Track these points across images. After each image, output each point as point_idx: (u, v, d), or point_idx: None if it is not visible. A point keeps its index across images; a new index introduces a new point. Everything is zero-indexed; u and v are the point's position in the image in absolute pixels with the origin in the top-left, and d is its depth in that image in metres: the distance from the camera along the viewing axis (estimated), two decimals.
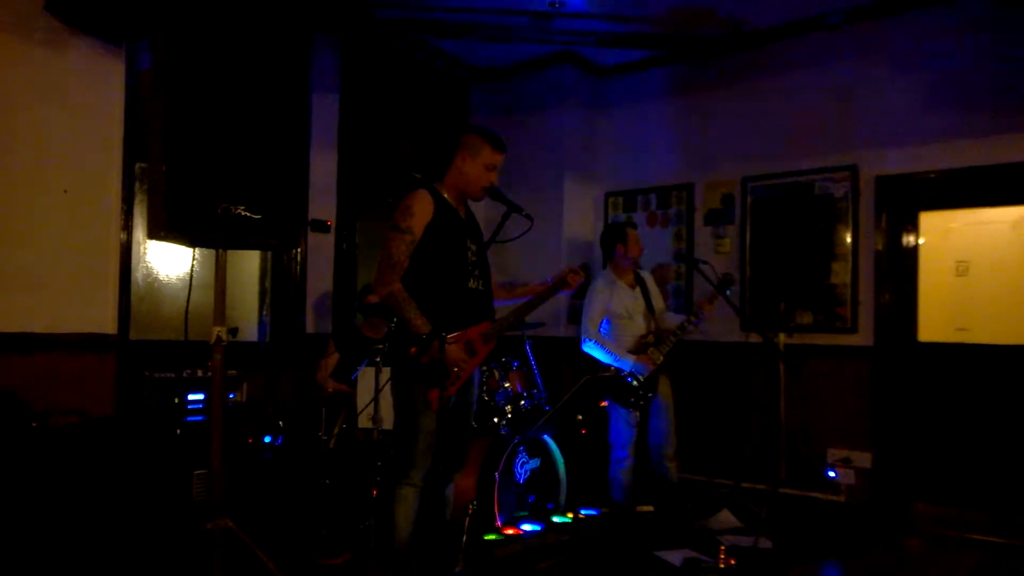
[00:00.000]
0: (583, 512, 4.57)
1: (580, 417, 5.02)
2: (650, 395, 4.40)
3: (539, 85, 6.26)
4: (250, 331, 5.17)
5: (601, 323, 4.50)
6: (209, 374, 3.49)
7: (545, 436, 4.47)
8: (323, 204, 5.24)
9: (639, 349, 4.44)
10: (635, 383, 4.38)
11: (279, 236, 2.92)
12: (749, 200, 5.56)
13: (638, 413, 4.44)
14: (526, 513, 4.24)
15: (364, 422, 4.05)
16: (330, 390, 4.43)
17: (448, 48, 6.05)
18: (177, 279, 4.71)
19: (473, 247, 3.19)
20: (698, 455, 5.37)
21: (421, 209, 3.03)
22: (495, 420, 4.45)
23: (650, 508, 4.66)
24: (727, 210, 5.68)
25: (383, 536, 3.34)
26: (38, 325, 3.78)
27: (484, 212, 4.51)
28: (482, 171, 3.15)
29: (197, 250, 3.10)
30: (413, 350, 2.95)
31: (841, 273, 5.15)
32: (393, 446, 3.23)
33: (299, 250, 5.09)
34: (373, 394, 3.91)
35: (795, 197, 5.34)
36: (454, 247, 3.10)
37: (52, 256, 3.85)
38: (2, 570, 3.02)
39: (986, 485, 4.63)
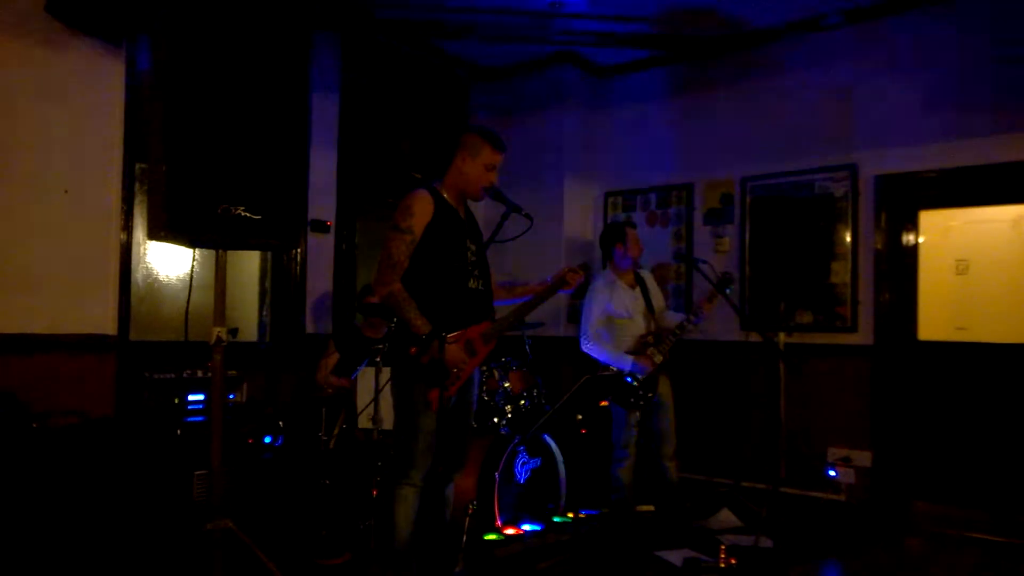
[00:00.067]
0: (583, 512, 4.57)
1: (580, 417, 5.02)
2: (650, 395, 4.40)
3: (539, 85, 6.26)
4: (250, 331, 5.17)
5: (601, 324, 4.50)
6: (209, 375, 3.49)
7: (545, 436, 4.46)
8: (323, 204, 5.24)
9: (639, 349, 4.43)
10: (634, 383, 4.38)
11: (279, 236, 2.92)
12: (748, 200, 5.56)
13: (638, 413, 4.44)
14: (526, 513, 4.24)
15: (364, 422, 4.06)
16: (330, 389, 4.43)
17: (448, 48, 6.05)
18: (177, 280, 4.71)
19: (473, 247, 3.19)
20: (698, 454, 5.37)
21: (421, 209, 3.03)
22: (495, 420, 4.45)
23: (650, 508, 4.66)
24: (726, 210, 5.68)
25: (383, 536, 3.34)
26: (38, 326, 3.78)
27: (484, 212, 4.51)
28: (482, 171, 3.15)
29: (197, 251, 3.10)
30: (413, 350, 2.95)
31: (841, 272, 5.15)
32: (393, 446, 3.23)
33: (299, 250, 5.09)
34: (373, 394, 3.91)
35: (795, 196, 5.34)
36: (454, 247, 3.10)
37: (52, 257, 3.85)
38: (3, 570, 3.02)
39: (986, 484, 4.63)
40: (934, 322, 5.09)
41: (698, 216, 5.83)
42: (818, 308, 5.23)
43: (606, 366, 4.44)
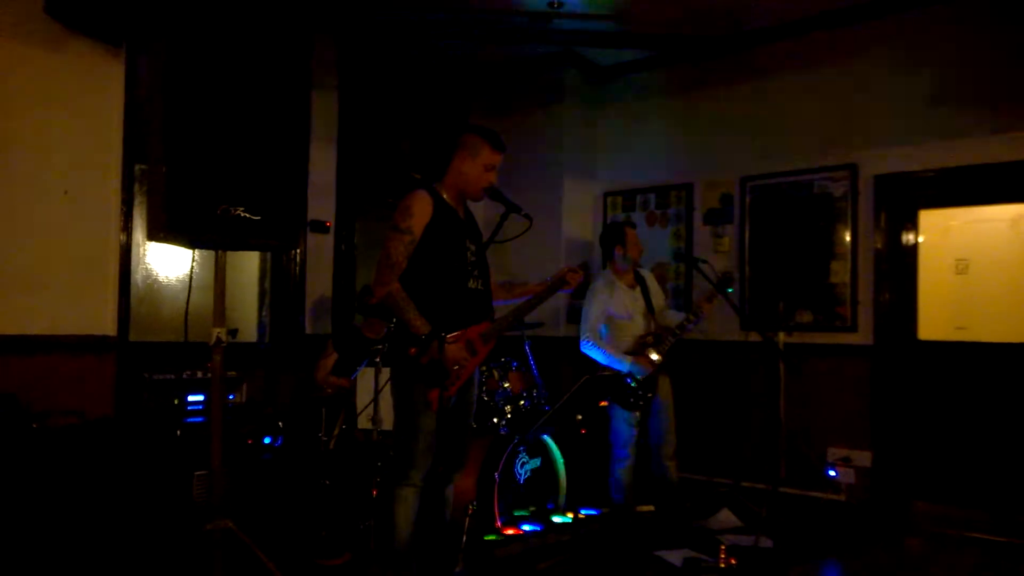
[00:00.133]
0: (583, 512, 4.57)
1: (580, 417, 5.02)
2: (649, 395, 4.40)
3: (539, 85, 6.27)
4: (249, 332, 5.17)
5: (600, 325, 4.50)
6: (209, 375, 3.49)
7: (545, 436, 4.46)
8: (322, 204, 5.24)
9: (638, 349, 4.43)
10: (634, 383, 4.38)
11: (278, 237, 2.92)
12: (748, 199, 5.57)
13: (638, 413, 4.44)
14: (526, 513, 4.24)
15: (364, 423, 4.06)
16: (330, 390, 4.43)
17: (448, 48, 6.05)
18: (177, 280, 4.71)
19: (472, 247, 3.19)
20: (698, 454, 5.37)
21: (420, 209, 3.03)
22: (495, 420, 4.45)
23: (650, 508, 4.66)
24: (726, 209, 5.68)
25: (383, 536, 3.34)
26: (38, 326, 3.78)
27: (483, 212, 4.50)
28: (481, 171, 3.15)
29: (196, 251, 3.10)
30: (413, 350, 2.95)
31: (840, 272, 5.15)
32: (393, 446, 3.23)
33: (298, 251, 5.09)
34: (373, 395, 3.91)
35: (794, 196, 5.35)
36: (453, 247, 3.10)
37: (52, 258, 3.85)
38: (3, 571, 3.02)
39: (986, 484, 4.63)
40: (934, 322, 5.09)
41: (698, 216, 5.83)
42: (818, 308, 5.23)
43: (606, 366, 4.44)
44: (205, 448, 2.91)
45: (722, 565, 3.63)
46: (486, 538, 3.90)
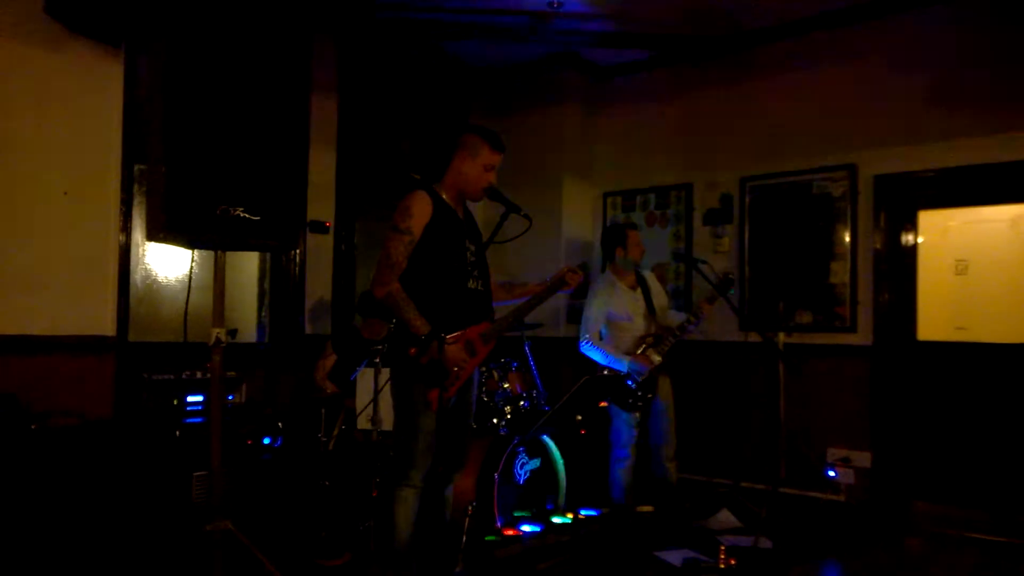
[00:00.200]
0: (583, 512, 4.57)
1: (579, 417, 5.02)
2: (649, 396, 4.40)
3: (538, 85, 6.27)
4: (249, 332, 5.17)
5: (600, 325, 4.50)
6: (208, 375, 3.49)
7: (544, 436, 4.46)
8: (322, 205, 5.24)
9: (638, 350, 4.43)
10: (634, 384, 4.38)
11: (278, 237, 2.92)
12: (748, 200, 5.57)
13: (638, 414, 4.44)
14: (526, 514, 4.24)
15: (363, 423, 4.05)
16: (328, 391, 4.43)
17: (447, 48, 6.05)
18: (176, 281, 4.71)
19: (472, 247, 3.19)
20: (698, 455, 5.37)
21: (419, 210, 3.03)
22: (494, 421, 4.45)
23: (650, 508, 4.66)
24: (726, 210, 5.68)
25: (383, 537, 3.34)
26: (37, 327, 3.77)
27: (483, 212, 4.50)
28: (481, 171, 3.15)
29: (196, 251, 3.10)
30: (413, 351, 2.95)
31: (840, 272, 5.16)
32: (393, 447, 3.23)
33: (298, 251, 5.09)
34: (372, 395, 3.91)
35: (794, 197, 5.35)
36: (453, 247, 3.10)
37: (51, 258, 3.85)
38: (3, 571, 3.02)
39: (986, 484, 4.63)
40: (933, 322, 5.09)
41: (697, 216, 5.83)
42: (817, 308, 5.23)
43: (606, 367, 4.44)
44: (204, 448, 2.90)
45: (722, 565, 3.63)
46: (486, 539, 3.90)
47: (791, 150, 5.38)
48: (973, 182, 4.83)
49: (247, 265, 5.20)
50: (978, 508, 4.58)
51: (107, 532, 3.32)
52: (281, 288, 5.13)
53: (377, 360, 3.91)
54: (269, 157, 2.84)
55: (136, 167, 4.19)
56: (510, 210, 3.15)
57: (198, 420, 3.77)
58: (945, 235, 5.44)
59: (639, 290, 4.63)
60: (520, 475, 4.27)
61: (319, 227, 5.20)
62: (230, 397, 4.05)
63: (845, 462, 5.00)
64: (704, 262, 4.73)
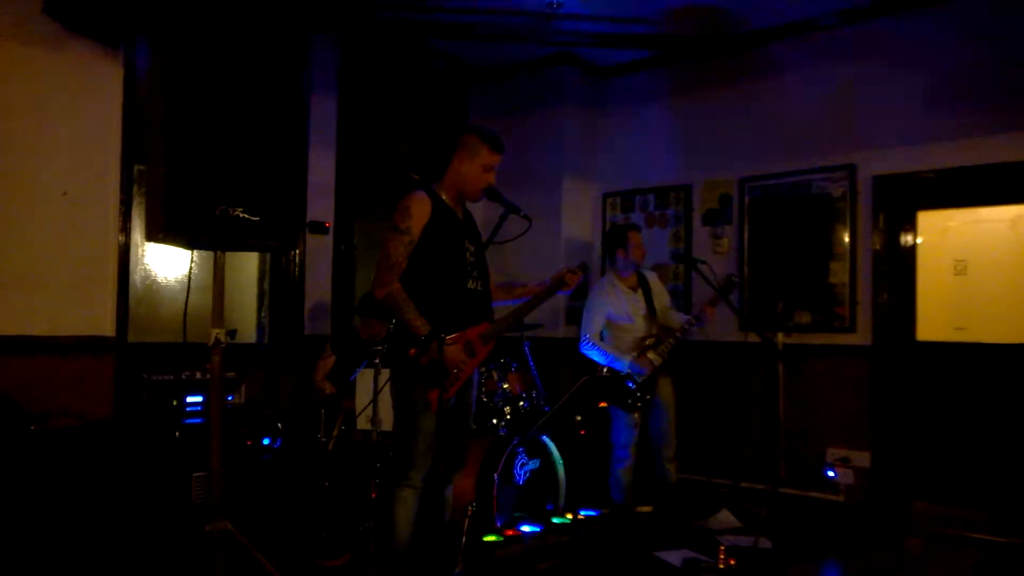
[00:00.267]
0: (582, 513, 4.57)
1: (579, 418, 5.02)
2: (648, 396, 4.40)
3: (538, 85, 6.27)
4: (248, 333, 5.17)
5: (600, 326, 4.50)
6: (207, 376, 3.49)
7: (544, 437, 4.46)
8: (321, 205, 5.24)
9: (638, 351, 4.43)
10: (634, 385, 4.38)
11: (277, 238, 2.91)
12: (747, 200, 5.57)
13: (637, 415, 4.44)
14: (525, 514, 4.23)
15: (363, 424, 4.05)
16: (328, 392, 4.43)
17: (447, 48, 6.05)
18: (175, 281, 4.71)
19: (471, 248, 3.19)
20: (697, 455, 5.37)
21: (418, 210, 3.03)
22: (494, 421, 4.45)
23: (650, 508, 4.67)
24: (725, 210, 5.69)
25: (382, 537, 3.34)
26: (37, 328, 3.78)
27: (483, 213, 4.51)
28: (480, 172, 3.15)
29: (195, 252, 3.10)
30: (412, 351, 2.95)
31: (839, 273, 5.16)
32: (392, 447, 3.23)
33: (297, 251, 5.09)
34: (372, 396, 3.91)
35: (793, 197, 5.35)
36: (452, 248, 3.10)
37: (51, 259, 3.85)
38: (3, 572, 3.02)
39: (985, 484, 4.63)
40: (933, 322, 5.09)
41: (697, 217, 5.84)
42: (817, 308, 5.23)
43: (606, 367, 4.44)
44: (204, 449, 2.90)
45: (721, 566, 3.63)
46: (485, 539, 3.90)
47: (790, 150, 5.38)
48: (972, 182, 4.83)
49: (246, 266, 5.20)
50: (978, 508, 4.58)
51: (107, 533, 3.31)
52: (280, 289, 5.13)
53: (376, 361, 3.91)
54: (268, 157, 2.84)
55: (135, 167, 4.20)
56: (509, 211, 3.15)
57: (197, 421, 3.77)
58: (944, 235, 5.44)
59: (640, 291, 4.62)
60: (520, 475, 4.27)
61: (318, 227, 5.20)
62: (229, 398, 4.04)
63: (844, 462, 5.00)
64: (703, 262, 4.74)
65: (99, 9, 3.83)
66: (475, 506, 3.67)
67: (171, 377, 3.84)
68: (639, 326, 4.53)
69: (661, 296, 4.73)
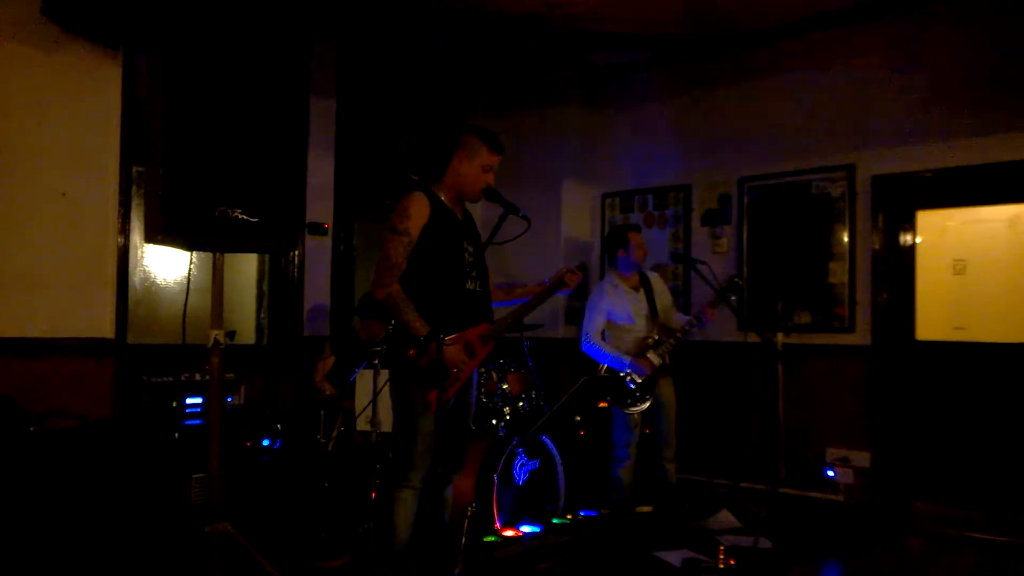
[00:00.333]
0: (582, 513, 4.57)
1: (578, 418, 5.02)
2: (648, 396, 4.40)
3: (537, 86, 6.27)
4: (248, 334, 5.17)
5: (601, 326, 4.50)
6: (207, 377, 3.48)
7: (544, 437, 4.46)
8: (321, 206, 5.24)
9: (638, 351, 4.43)
10: (633, 384, 4.38)
11: (276, 239, 2.91)
12: (746, 200, 5.57)
13: (637, 415, 4.44)
14: (525, 515, 4.23)
15: (362, 425, 4.05)
16: (327, 393, 4.43)
17: (446, 49, 6.05)
18: (174, 282, 4.71)
19: (470, 248, 3.19)
20: (697, 455, 5.37)
21: (417, 211, 3.03)
22: (493, 422, 4.45)
23: (650, 508, 4.67)
24: (724, 210, 5.69)
25: (382, 538, 3.33)
26: (36, 329, 3.77)
27: (482, 213, 4.51)
28: (479, 172, 3.14)
29: (194, 253, 3.10)
30: (412, 352, 2.95)
31: (839, 272, 5.16)
32: (392, 448, 3.23)
33: (296, 253, 5.09)
34: (371, 397, 3.91)
35: (792, 197, 5.35)
36: (451, 249, 3.09)
37: (50, 260, 3.85)
38: (3, 573, 3.02)
39: (985, 483, 4.63)
40: (932, 322, 5.09)
41: (696, 217, 5.84)
42: (816, 308, 5.23)
43: (606, 367, 4.44)
44: (203, 450, 2.90)
45: (721, 566, 3.63)
46: (485, 540, 3.90)
47: (789, 150, 5.38)
48: (971, 182, 4.83)
49: (246, 267, 5.20)
50: (978, 508, 4.58)
51: (106, 534, 3.31)
52: (280, 290, 5.13)
53: (376, 361, 3.91)
54: (268, 159, 2.84)
55: (134, 169, 4.19)
56: (508, 211, 3.15)
57: (197, 422, 3.77)
58: (943, 235, 5.44)
59: (642, 291, 4.62)
60: (519, 476, 4.27)
61: (318, 229, 5.20)
62: (229, 399, 4.04)
63: (844, 462, 5.00)
64: (703, 262, 4.74)
65: (97, 10, 3.83)
66: (475, 507, 3.67)
67: (170, 378, 3.84)
68: (640, 326, 4.53)
69: (663, 296, 4.73)
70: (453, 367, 3.01)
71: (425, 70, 6.13)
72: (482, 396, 4.46)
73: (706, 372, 5.57)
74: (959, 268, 5.45)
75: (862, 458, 4.97)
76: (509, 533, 4.05)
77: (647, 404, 4.42)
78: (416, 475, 3.04)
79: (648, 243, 5.46)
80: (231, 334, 3.43)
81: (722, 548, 3.73)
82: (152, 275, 4.64)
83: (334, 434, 4.30)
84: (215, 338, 2.85)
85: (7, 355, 3.64)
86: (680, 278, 5.86)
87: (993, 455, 4.64)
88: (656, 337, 4.49)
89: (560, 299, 5.81)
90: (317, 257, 5.25)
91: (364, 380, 4.08)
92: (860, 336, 5.07)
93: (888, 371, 4.99)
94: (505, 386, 4.55)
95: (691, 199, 5.86)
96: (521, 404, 4.54)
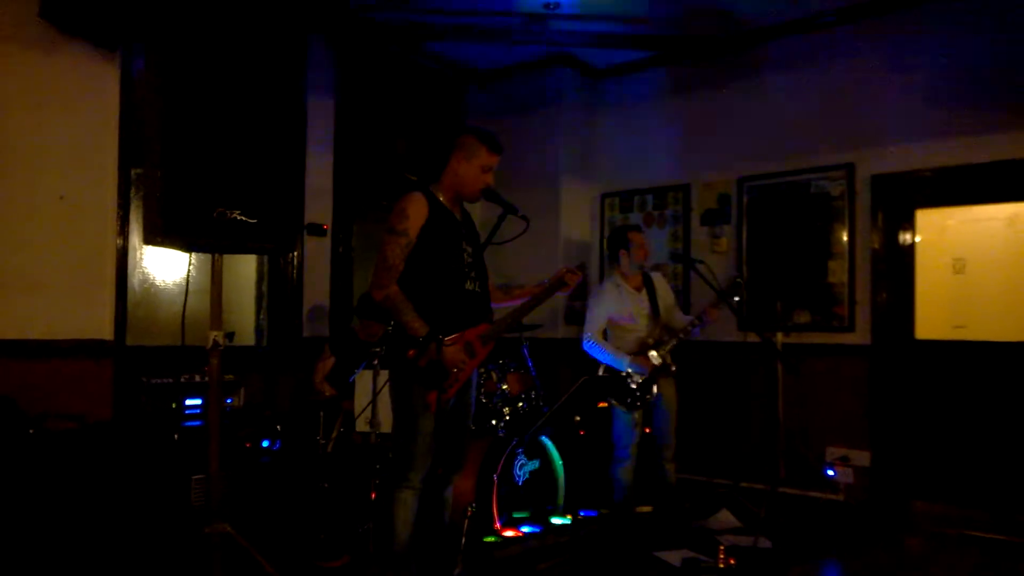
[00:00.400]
0: (582, 513, 4.57)
1: (578, 418, 5.02)
2: (648, 396, 4.40)
3: (535, 86, 6.27)
4: (247, 335, 5.16)
5: (602, 325, 4.51)
6: (206, 379, 3.48)
7: (543, 437, 4.46)
8: (319, 207, 5.24)
9: (640, 350, 4.43)
10: (633, 384, 4.38)
11: (275, 240, 2.92)
12: (745, 200, 5.57)
13: (637, 415, 4.44)
14: (525, 515, 4.23)
15: (362, 426, 4.05)
16: (326, 393, 4.43)
17: (444, 50, 6.05)
18: (173, 284, 4.71)
19: (469, 249, 3.18)
20: (697, 455, 5.37)
21: (415, 211, 3.02)
22: (493, 422, 4.45)
23: (650, 508, 4.66)
24: (723, 210, 5.69)
25: (382, 539, 3.33)
26: (36, 331, 3.77)
27: (481, 213, 4.51)
28: (478, 172, 3.14)
29: (193, 255, 3.10)
30: (411, 353, 2.95)
31: (838, 272, 5.16)
32: (391, 449, 3.23)
33: (295, 254, 5.09)
34: (371, 397, 3.91)
35: (791, 196, 5.35)
36: (449, 249, 3.09)
37: (49, 262, 3.85)
38: (3, 574, 3.01)
39: (985, 483, 4.63)
40: (932, 321, 5.09)
41: (695, 216, 5.84)
42: (816, 308, 5.23)
43: (606, 366, 4.44)
44: (203, 452, 2.90)
45: (721, 565, 3.63)
46: (485, 540, 3.90)
47: (789, 150, 5.38)
48: (970, 181, 4.83)
49: (245, 268, 5.20)
50: (978, 507, 4.58)
51: (106, 535, 3.31)
52: (279, 291, 5.13)
53: (375, 362, 3.90)
54: (266, 160, 2.84)
55: (133, 171, 4.19)
56: (507, 211, 3.14)
57: (197, 423, 3.77)
58: (943, 234, 5.44)
59: (644, 291, 4.62)
60: (519, 476, 4.26)
61: (316, 230, 5.20)
62: (228, 400, 4.04)
63: (844, 461, 5.00)
64: (702, 262, 4.73)
65: (95, 12, 3.82)
66: (474, 507, 3.67)
67: (170, 380, 3.84)
68: (641, 326, 4.53)
69: (666, 296, 4.72)
70: (453, 367, 3.01)
71: (423, 71, 6.13)
72: (482, 396, 4.46)
73: (706, 372, 5.57)
74: (959, 267, 5.46)
75: (862, 457, 4.97)
76: (509, 533, 4.05)
77: (648, 402, 4.42)
78: (416, 475, 3.04)
79: (647, 243, 5.47)
80: (230, 335, 3.44)
81: (722, 548, 3.73)
82: (151, 277, 4.63)
83: (334, 435, 4.30)
84: (214, 339, 2.85)
85: (6, 357, 3.64)
86: (679, 278, 5.86)
87: (993, 454, 4.64)
88: (657, 337, 4.49)
89: (559, 299, 5.80)
90: (316, 258, 5.25)
91: (364, 381, 4.08)
92: (860, 335, 5.07)
93: (888, 370, 4.99)
94: (505, 386, 4.55)
95: (690, 199, 5.86)
96: (521, 404, 4.54)
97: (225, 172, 2.72)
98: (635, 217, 6.09)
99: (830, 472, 5.01)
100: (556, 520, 4.33)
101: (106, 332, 4.07)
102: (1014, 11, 4.57)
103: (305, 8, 3.11)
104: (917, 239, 5.07)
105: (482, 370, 4.48)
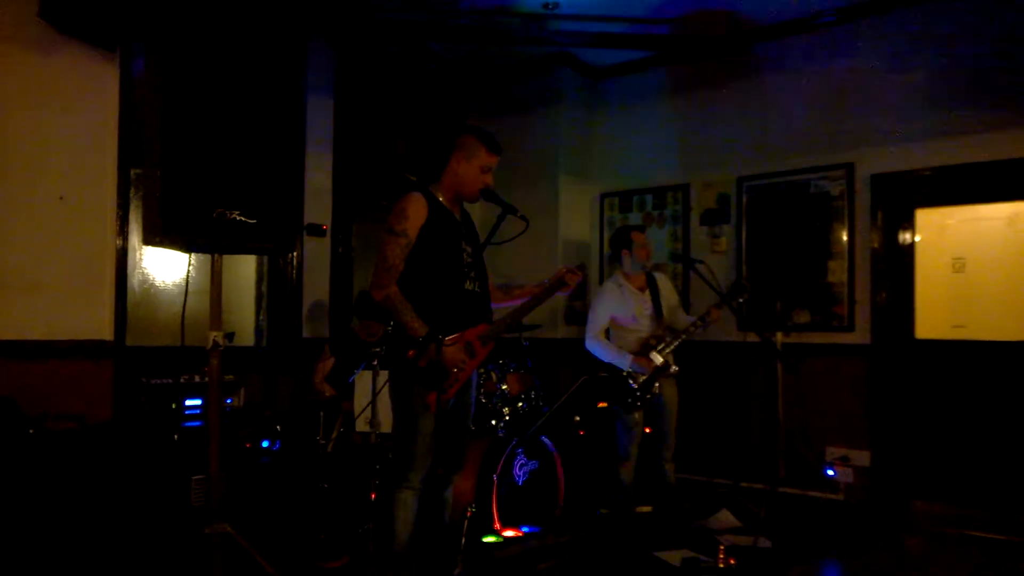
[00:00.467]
0: (581, 514, 4.57)
1: (578, 418, 5.02)
2: (648, 396, 4.40)
3: (535, 86, 6.27)
4: (247, 335, 5.16)
5: (605, 325, 4.51)
6: (206, 379, 3.48)
7: (543, 437, 4.46)
8: (319, 208, 5.23)
9: (641, 350, 4.43)
10: (633, 384, 4.38)
11: (275, 240, 2.91)
12: (745, 199, 5.57)
13: (637, 415, 4.44)
14: (525, 515, 4.23)
15: (362, 426, 4.05)
16: (326, 394, 4.43)
17: (443, 50, 6.05)
18: (173, 284, 4.70)
19: (469, 249, 3.18)
20: (697, 455, 5.37)
21: (415, 212, 3.02)
22: (493, 422, 4.45)
23: (650, 508, 4.66)
24: (723, 210, 5.69)
25: (382, 539, 3.33)
26: (35, 332, 3.77)
27: (480, 214, 4.50)
28: (477, 173, 3.14)
29: (193, 255, 3.10)
30: (411, 353, 2.95)
31: (838, 271, 5.16)
32: (391, 449, 3.23)
33: (295, 254, 5.09)
34: (371, 398, 3.91)
35: (791, 196, 5.35)
36: (449, 249, 3.09)
37: (48, 263, 3.84)
38: (3, 574, 3.02)
39: (985, 482, 4.63)
40: (931, 320, 5.09)
41: (694, 216, 5.84)
42: (815, 307, 5.23)
43: (607, 365, 4.44)
44: (203, 452, 2.90)
45: (721, 565, 3.63)
46: (485, 540, 3.90)
47: (788, 149, 5.39)
48: (970, 180, 4.83)
49: (244, 268, 5.20)
50: (978, 507, 4.58)
51: (106, 536, 3.31)
52: (278, 291, 5.13)
53: (375, 362, 3.90)
54: (265, 160, 2.84)
55: (132, 171, 4.18)
56: (507, 211, 3.14)
57: (196, 424, 3.76)
58: (942, 233, 5.44)
59: (647, 292, 4.61)
60: (519, 476, 4.26)
61: (316, 230, 5.20)
62: (228, 400, 4.04)
63: (844, 461, 5.00)
64: (701, 262, 4.74)
65: (94, 12, 3.82)
66: (474, 507, 3.68)
67: (170, 380, 3.83)
68: (644, 327, 4.52)
69: (670, 297, 4.72)
70: (453, 368, 3.00)
71: (423, 71, 6.13)
72: (481, 396, 4.46)
73: (706, 372, 5.57)
74: (958, 266, 5.45)
75: (862, 457, 4.97)
76: (509, 533, 4.05)
77: (648, 402, 4.42)
78: (416, 476, 3.04)
79: (649, 243, 5.48)
80: (230, 336, 3.44)
81: (722, 548, 3.74)
82: (151, 277, 4.63)
83: (333, 435, 4.30)
84: (214, 340, 2.85)
85: (6, 357, 3.64)
86: (679, 278, 5.86)
87: (993, 454, 4.64)
88: (658, 337, 4.49)
89: (559, 299, 5.80)
90: (316, 258, 5.25)
91: (363, 381, 4.08)
92: (859, 335, 5.07)
93: (887, 370, 4.99)
94: (504, 386, 4.55)
95: (690, 199, 5.86)
96: (520, 404, 4.54)
97: (225, 172, 2.72)
98: (635, 217, 6.09)
99: (830, 472, 5.02)
100: (556, 520, 4.32)
101: (106, 332, 4.07)
102: (1014, 11, 4.57)
103: (305, 8, 3.11)
104: (917, 238, 5.07)
105: (482, 370, 4.48)
